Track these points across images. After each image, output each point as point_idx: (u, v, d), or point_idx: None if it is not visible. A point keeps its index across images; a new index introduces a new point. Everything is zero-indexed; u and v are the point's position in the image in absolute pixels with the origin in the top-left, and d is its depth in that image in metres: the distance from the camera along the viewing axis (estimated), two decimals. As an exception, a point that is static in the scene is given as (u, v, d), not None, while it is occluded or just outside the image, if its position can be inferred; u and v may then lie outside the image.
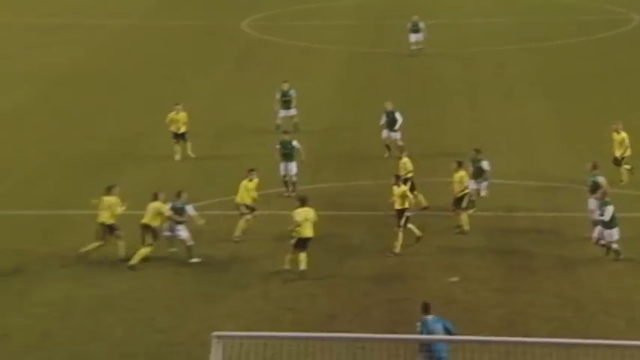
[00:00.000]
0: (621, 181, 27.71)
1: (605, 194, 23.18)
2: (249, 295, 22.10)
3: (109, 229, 23.85)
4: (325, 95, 38.18)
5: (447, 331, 17.05)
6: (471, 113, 36.55)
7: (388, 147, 30.71)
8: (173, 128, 31.32)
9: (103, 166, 30.14)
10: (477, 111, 36.78)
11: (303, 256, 22.53)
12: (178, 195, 24.24)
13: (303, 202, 22.80)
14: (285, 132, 29.43)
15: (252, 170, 25.30)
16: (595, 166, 24.76)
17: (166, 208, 23.77)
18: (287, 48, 46.63)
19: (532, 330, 19.74)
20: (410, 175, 25.99)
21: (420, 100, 37.67)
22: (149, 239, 23.51)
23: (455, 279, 22.67)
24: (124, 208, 23.98)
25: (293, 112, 33.58)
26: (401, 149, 27.44)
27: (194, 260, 23.66)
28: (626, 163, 27.97)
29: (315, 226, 22.70)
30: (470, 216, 25.27)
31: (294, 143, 28.19)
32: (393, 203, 24.00)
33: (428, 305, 17.36)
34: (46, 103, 37.92)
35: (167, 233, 24.01)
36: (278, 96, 33.52)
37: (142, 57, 45.54)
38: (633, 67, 41.76)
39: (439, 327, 17.01)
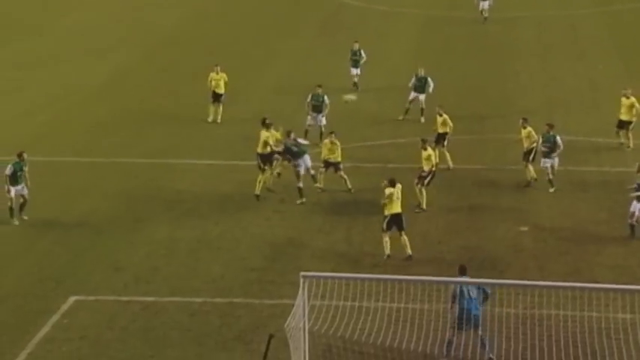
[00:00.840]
0: (627, 146, 26.77)
1: None
2: (332, 239, 22.30)
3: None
4: (404, 57, 37.85)
5: (483, 292, 16.44)
6: (544, 74, 35.90)
7: (407, 111, 29.90)
8: (214, 88, 30.19)
9: (202, 121, 30.54)
10: (549, 72, 36.10)
11: (404, 239, 20.89)
12: (288, 134, 24.42)
13: (392, 183, 21.32)
14: (319, 85, 28.52)
15: (332, 133, 25.10)
16: None
17: (268, 136, 24.10)
18: (368, 12, 46.28)
19: (597, 276, 19.50)
20: (448, 131, 25.86)
21: (494, 62, 37.17)
22: (263, 166, 24.06)
23: (525, 228, 22.49)
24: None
25: (358, 71, 33.49)
26: (440, 107, 26.53)
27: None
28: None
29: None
30: (538, 171, 24.92)
31: (325, 98, 27.77)
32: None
33: (464, 267, 16.95)
34: (150, 63, 38.46)
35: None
36: (350, 55, 33.51)
37: (236, 20, 45.69)
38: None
39: (474, 287, 16.38)
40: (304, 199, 24.07)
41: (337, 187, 24.81)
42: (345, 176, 24.68)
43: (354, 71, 33.55)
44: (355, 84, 33.24)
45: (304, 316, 14.66)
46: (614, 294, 16.72)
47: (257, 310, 18.67)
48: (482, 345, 16.21)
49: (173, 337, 17.85)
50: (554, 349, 16.05)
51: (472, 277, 17.34)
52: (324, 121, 27.98)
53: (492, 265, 20.47)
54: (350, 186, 24.65)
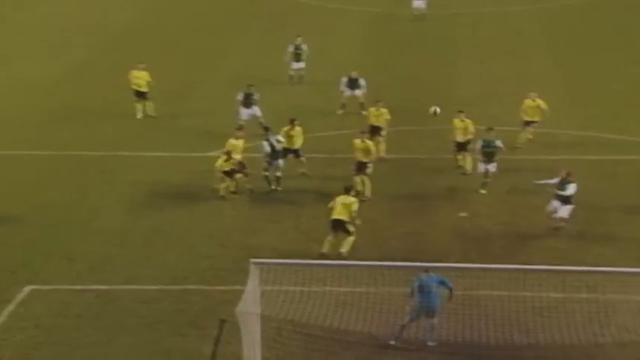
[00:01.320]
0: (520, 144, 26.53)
1: (569, 175, 21.50)
2: (282, 227, 22.22)
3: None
4: (350, 51, 37.86)
5: (443, 284, 16.44)
6: (480, 68, 36.22)
7: (343, 105, 29.98)
8: (134, 86, 29.39)
9: (161, 109, 30.17)
10: (485, 66, 36.42)
11: (348, 240, 20.28)
12: (266, 130, 24.36)
13: (346, 190, 20.62)
14: (251, 85, 28.45)
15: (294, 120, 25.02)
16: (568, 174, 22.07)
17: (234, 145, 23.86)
18: (319, 9, 46.16)
19: (531, 259, 19.70)
20: (384, 124, 25.91)
21: (434, 57, 37.39)
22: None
23: (464, 214, 22.65)
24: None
25: (302, 65, 33.42)
26: (377, 102, 26.56)
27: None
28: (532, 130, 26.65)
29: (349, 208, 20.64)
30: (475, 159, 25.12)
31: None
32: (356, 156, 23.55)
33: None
34: (104, 58, 37.85)
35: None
36: (291, 49, 33.41)
37: (190, 16, 45.17)
38: (631, 26, 41.05)
39: (433, 282, 16.39)
40: (277, 187, 23.91)
41: (291, 174, 24.73)
42: (305, 161, 24.69)
43: (296, 65, 33.59)
44: (292, 77, 33.33)
45: (255, 301, 14.57)
46: (546, 275, 16.96)
47: (210, 297, 18.52)
48: (430, 329, 16.25)
49: (127, 324, 17.62)
50: (491, 328, 16.20)
51: (415, 261, 17.40)
52: (259, 112, 27.96)
53: (434, 250, 20.57)
54: (306, 170, 24.71)
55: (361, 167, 23.93)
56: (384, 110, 26.41)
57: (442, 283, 16.48)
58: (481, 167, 23.82)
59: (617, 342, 14.64)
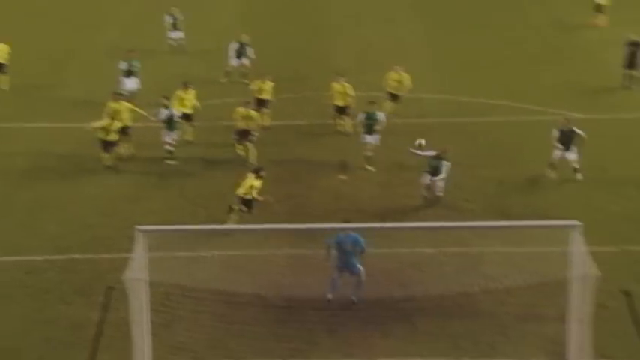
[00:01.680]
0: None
1: (445, 152, 21.56)
2: (167, 194, 21.96)
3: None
4: (231, 20, 37.49)
5: (357, 243, 16.43)
6: (356, 36, 36.57)
7: (228, 73, 29.91)
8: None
9: (34, 86, 29.06)
10: (361, 34, 36.78)
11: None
12: (166, 105, 23.86)
13: (255, 171, 20.14)
14: (131, 51, 28.28)
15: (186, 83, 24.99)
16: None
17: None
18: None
19: (406, 216, 20.18)
20: (270, 97, 25.95)
21: (313, 25, 37.43)
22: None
23: (344, 177, 22.94)
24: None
25: (180, 34, 33.19)
26: (262, 75, 26.46)
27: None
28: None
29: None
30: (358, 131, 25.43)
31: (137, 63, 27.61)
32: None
33: (347, 222, 16.68)
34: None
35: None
36: (168, 19, 33.14)
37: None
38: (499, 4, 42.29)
39: (349, 241, 16.38)
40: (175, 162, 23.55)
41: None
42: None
43: (174, 34, 33.26)
44: (172, 47, 33.04)
45: (142, 267, 14.40)
46: (421, 231, 17.48)
47: (96, 265, 18.17)
48: (357, 286, 16.35)
49: (13, 294, 17.13)
50: (371, 284, 16.57)
51: (298, 223, 17.55)
52: (138, 83, 27.60)
53: (315, 212, 20.78)
54: (192, 138, 24.51)
55: (243, 135, 23.87)
56: (270, 83, 26.33)
57: (356, 242, 16.37)
58: (364, 139, 23.75)
59: (484, 290, 15.29)
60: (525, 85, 30.07)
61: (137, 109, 24.41)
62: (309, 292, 16.45)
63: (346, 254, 16.31)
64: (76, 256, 18.64)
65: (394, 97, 26.84)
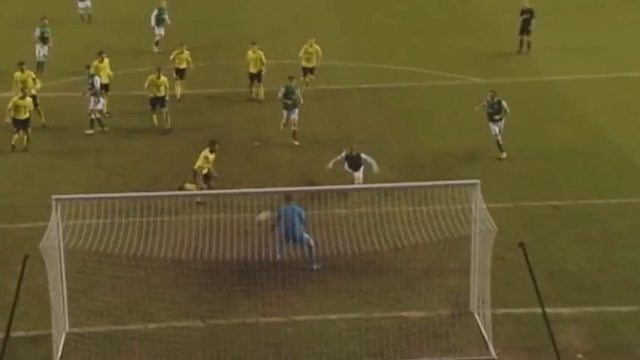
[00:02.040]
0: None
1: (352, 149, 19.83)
2: (83, 163, 21.53)
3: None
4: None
5: (299, 216, 16.32)
6: (267, 5, 36.34)
7: (157, 43, 29.73)
8: None
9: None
10: (271, 3, 36.57)
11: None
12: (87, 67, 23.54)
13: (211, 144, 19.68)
14: (44, 17, 27.95)
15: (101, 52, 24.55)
16: None
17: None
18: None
19: (318, 180, 20.31)
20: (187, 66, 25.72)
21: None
22: None
23: (257, 144, 22.91)
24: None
25: (88, 3, 32.96)
26: (179, 45, 26.15)
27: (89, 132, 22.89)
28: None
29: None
30: (268, 92, 25.37)
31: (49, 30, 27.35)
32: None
33: (289, 195, 16.52)
34: None
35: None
36: None
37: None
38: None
39: (295, 213, 16.29)
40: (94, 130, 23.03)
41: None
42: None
43: (82, 4, 32.92)
44: (82, 16, 32.50)
45: (58, 235, 14.13)
46: (331, 194, 17.65)
47: (12, 234, 17.70)
48: (309, 253, 16.28)
49: None
50: (290, 245, 16.67)
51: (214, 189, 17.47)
52: (46, 51, 27.24)
53: (231, 178, 20.69)
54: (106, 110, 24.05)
55: (156, 102, 23.60)
56: (186, 52, 25.96)
57: (299, 214, 16.24)
58: (284, 114, 22.98)
59: (392, 248, 15.60)
60: (429, 52, 30.53)
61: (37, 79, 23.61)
62: (225, 256, 16.46)
63: (292, 226, 16.23)
64: (-8, 226, 18.12)
65: (308, 70, 26.51)
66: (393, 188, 17.43)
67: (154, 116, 23.76)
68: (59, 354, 13.87)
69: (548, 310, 13.45)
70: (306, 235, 16.46)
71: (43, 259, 13.62)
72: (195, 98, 25.85)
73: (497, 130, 21.61)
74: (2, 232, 17.88)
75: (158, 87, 23.59)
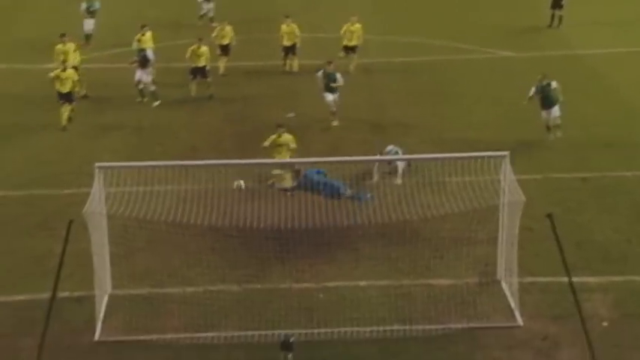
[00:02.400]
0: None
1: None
2: (125, 132, 21.72)
3: None
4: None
5: (317, 173, 16.68)
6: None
7: (202, 17, 29.60)
8: None
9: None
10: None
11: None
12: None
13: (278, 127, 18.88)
14: None
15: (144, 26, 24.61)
16: None
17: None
18: None
19: (350, 152, 20.24)
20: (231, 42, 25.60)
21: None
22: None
23: (292, 115, 22.91)
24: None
25: None
26: (221, 21, 26.29)
27: (155, 104, 22.96)
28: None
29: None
30: (302, 66, 25.32)
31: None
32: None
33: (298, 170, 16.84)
34: None
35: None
36: None
37: None
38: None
39: (312, 174, 16.60)
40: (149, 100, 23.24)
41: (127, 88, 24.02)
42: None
43: None
44: None
45: (100, 201, 14.33)
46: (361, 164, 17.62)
47: (57, 200, 17.98)
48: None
49: (-24, 228, 16.93)
50: (318, 214, 16.72)
51: (247, 159, 17.62)
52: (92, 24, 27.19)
53: (264, 147, 20.70)
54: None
55: (196, 72, 23.66)
56: (228, 28, 25.91)
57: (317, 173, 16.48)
58: (325, 97, 22.28)
59: (422, 218, 15.57)
60: (461, 26, 30.19)
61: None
62: (260, 223, 16.57)
63: (318, 183, 16.44)
64: (37, 191, 18.42)
65: (350, 49, 25.96)
66: (423, 159, 17.36)
67: (193, 87, 23.86)
68: (102, 314, 14.13)
69: (574, 279, 13.37)
70: (335, 183, 16.45)
71: (86, 224, 13.83)
72: (231, 71, 25.88)
73: (553, 116, 20.18)
74: (48, 198, 18.16)
75: (199, 57, 23.71)
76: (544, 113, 20.52)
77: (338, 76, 22.37)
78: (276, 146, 18.57)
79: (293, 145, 18.47)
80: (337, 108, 22.16)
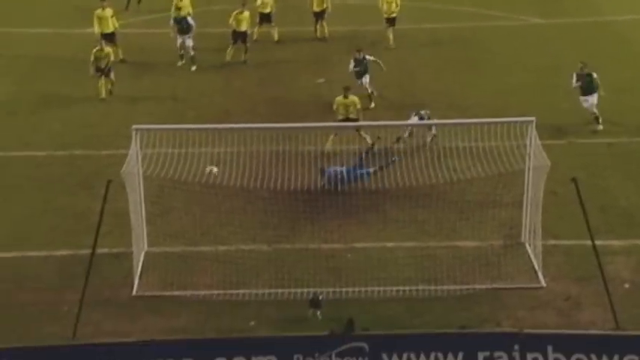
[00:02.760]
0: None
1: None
2: (160, 96, 21.82)
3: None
4: None
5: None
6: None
7: None
8: None
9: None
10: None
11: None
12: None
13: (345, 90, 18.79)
14: None
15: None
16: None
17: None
18: None
19: (379, 117, 20.11)
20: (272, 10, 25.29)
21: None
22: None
23: (321, 80, 22.81)
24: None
25: None
26: None
27: (193, 68, 23.08)
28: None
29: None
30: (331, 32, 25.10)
31: None
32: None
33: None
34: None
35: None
36: None
37: None
38: None
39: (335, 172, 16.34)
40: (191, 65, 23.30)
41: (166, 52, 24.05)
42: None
43: None
44: None
45: (137, 162, 14.46)
46: (392, 128, 17.47)
47: (96, 161, 18.19)
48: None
49: (21, 186, 17.25)
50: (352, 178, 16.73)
51: (279, 123, 17.60)
52: None
53: (295, 112, 20.69)
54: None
55: (237, 37, 23.55)
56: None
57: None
58: (358, 83, 21.18)
59: (448, 181, 15.51)
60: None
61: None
62: (291, 185, 16.63)
63: (342, 173, 16.25)
64: (78, 152, 18.65)
65: (390, 20, 25.34)
66: (450, 124, 17.23)
67: (230, 51, 23.77)
68: (139, 270, 14.35)
69: (597, 242, 13.26)
70: (359, 171, 16.56)
71: (124, 184, 13.99)
72: (263, 35, 25.75)
73: (590, 104, 19.42)
74: (87, 158, 18.39)
75: (240, 22, 23.66)
76: (584, 100, 19.61)
77: (365, 60, 21.22)
78: (345, 106, 18.63)
79: (359, 106, 18.67)
80: (372, 88, 21.24)
